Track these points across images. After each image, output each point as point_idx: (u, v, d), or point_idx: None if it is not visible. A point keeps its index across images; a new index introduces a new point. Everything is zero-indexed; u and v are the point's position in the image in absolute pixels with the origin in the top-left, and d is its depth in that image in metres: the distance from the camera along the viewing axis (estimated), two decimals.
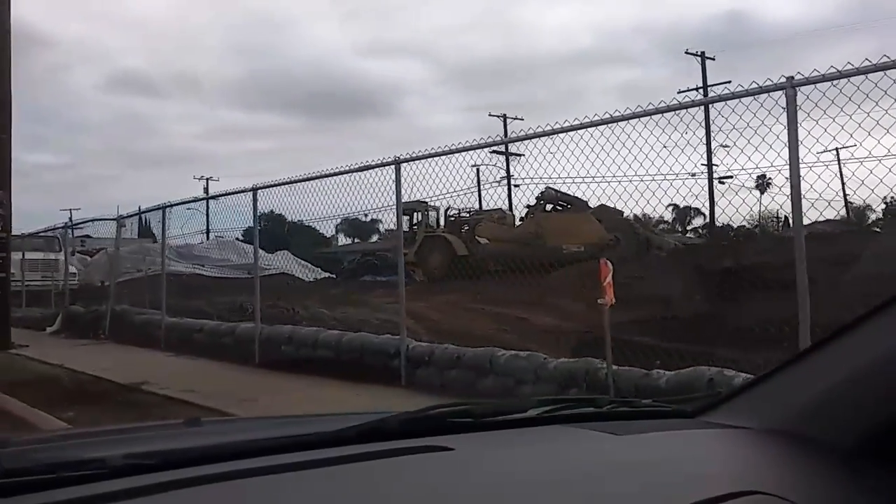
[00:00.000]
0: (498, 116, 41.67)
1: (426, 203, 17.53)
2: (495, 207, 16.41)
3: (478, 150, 8.01)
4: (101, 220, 16.09)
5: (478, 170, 20.13)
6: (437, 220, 21.05)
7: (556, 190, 16.71)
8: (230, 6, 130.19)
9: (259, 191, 10.24)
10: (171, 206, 13.10)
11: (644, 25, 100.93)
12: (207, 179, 51.07)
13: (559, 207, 20.53)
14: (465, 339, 8.27)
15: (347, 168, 8.59)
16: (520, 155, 26.92)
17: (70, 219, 16.72)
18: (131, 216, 14.57)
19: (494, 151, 29.59)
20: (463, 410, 1.46)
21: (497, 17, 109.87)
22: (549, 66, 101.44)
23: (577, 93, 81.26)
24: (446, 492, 1.11)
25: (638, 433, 1.39)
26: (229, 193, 11.64)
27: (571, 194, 15.95)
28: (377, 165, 8.30)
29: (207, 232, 16.55)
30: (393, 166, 8.05)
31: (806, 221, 5.17)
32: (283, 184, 9.62)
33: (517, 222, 20.30)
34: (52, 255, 19.94)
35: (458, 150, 7.44)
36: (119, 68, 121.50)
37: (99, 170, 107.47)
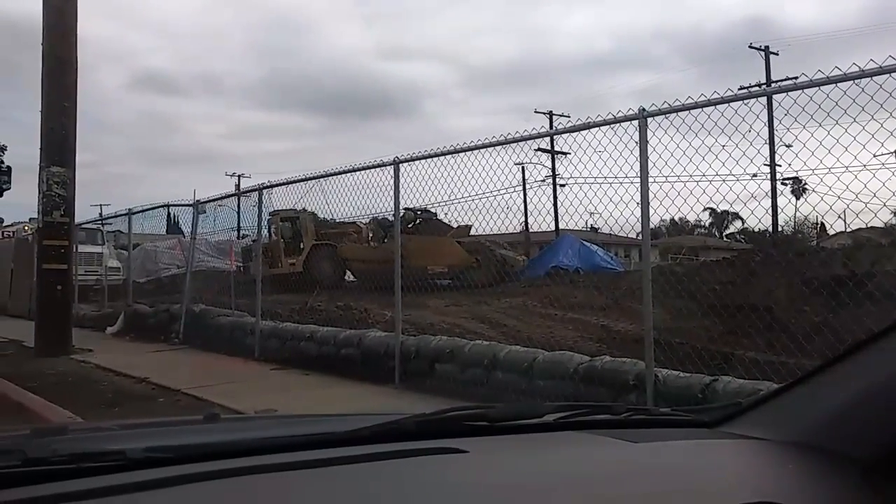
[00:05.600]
0: (544, 113, 43.34)
1: (309, 212, 17.06)
2: (350, 221, 15.58)
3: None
4: (177, 205, 14.65)
5: (523, 168, 19.96)
6: (297, 230, 20.55)
7: (414, 210, 16.51)
8: (257, 8, 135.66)
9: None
10: (270, 186, 10.85)
11: (664, 31, 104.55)
12: (240, 176, 52.83)
13: (418, 225, 20.51)
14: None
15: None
16: (565, 153, 26.93)
17: (129, 210, 15.75)
18: (214, 200, 12.82)
19: (539, 149, 30.11)
20: (479, 413, 1.51)
21: (519, 20, 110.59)
22: (569, 71, 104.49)
23: (605, 96, 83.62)
24: (459, 494, 1.16)
25: (654, 441, 1.43)
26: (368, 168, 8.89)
27: (429, 211, 15.75)
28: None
29: (239, 228, 15.92)
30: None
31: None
32: (429, 156, 8.10)
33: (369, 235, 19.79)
34: (95, 248, 19.34)
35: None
36: (143, 68, 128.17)
37: (122, 168, 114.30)
